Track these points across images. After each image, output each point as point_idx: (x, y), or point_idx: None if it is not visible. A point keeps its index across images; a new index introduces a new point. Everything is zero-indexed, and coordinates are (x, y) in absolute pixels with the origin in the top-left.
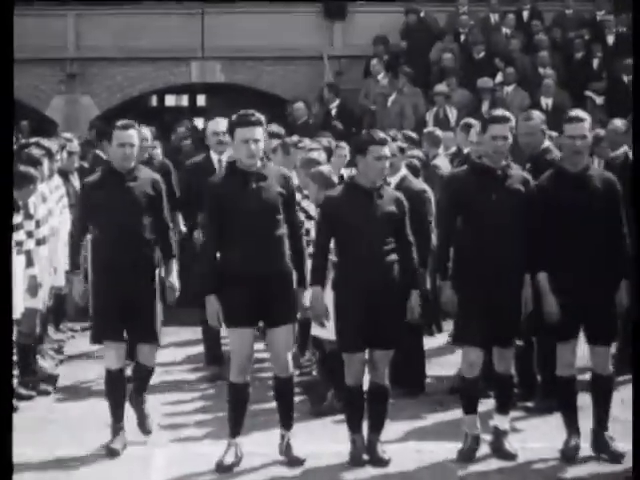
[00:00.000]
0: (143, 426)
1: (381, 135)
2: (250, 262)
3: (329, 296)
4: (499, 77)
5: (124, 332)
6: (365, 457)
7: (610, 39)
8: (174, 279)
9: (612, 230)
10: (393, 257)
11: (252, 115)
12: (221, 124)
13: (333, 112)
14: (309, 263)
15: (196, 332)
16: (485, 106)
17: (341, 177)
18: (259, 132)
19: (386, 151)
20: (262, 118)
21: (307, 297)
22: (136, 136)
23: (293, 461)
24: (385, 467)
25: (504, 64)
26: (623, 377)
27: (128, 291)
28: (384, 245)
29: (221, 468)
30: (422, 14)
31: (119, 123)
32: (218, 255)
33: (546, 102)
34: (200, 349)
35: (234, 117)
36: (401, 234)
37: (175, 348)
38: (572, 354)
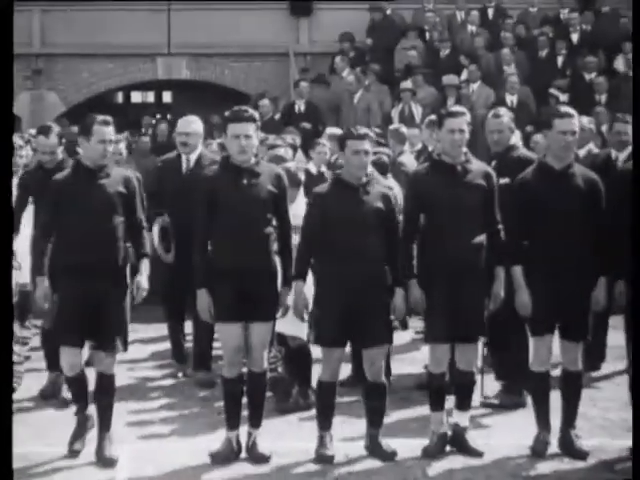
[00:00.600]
0: (101, 452)
1: (360, 130)
2: (237, 258)
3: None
4: (464, 74)
5: (83, 338)
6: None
7: (574, 37)
8: (144, 280)
9: (592, 228)
10: (379, 254)
11: (245, 111)
12: (188, 125)
13: (299, 109)
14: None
15: (160, 329)
16: (450, 103)
17: (321, 174)
18: (251, 128)
19: (365, 145)
20: (255, 114)
21: (290, 297)
22: (114, 132)
23: (258, 459)
24: (392, 460)
25: (469, 61)
26: (595, 374)
27: (94, 296)
28: (370, 241)
29: (215, 459)
30: (388, 11)
31: (99, 119)
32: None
33: (511, 99)
34: (165, 346)
35: (227, 113)
36: (388, 231)
37: (140, 345)
38: (547, 349)
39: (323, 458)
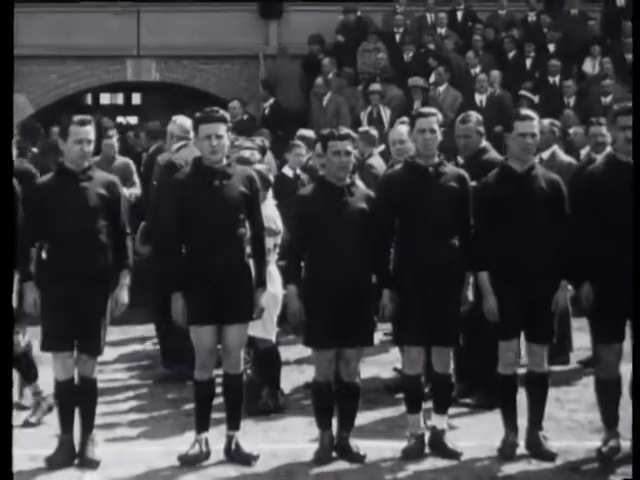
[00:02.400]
0: (85, 455)
1: (342, 131)
2: (210, 260)
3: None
4: (432, 77)
5: (73, 342)
6: (334, 454)
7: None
8: (124, 294)
9: (555, 230)
10: (364, 255)
11: (216, 112)
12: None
13: (266, 111)
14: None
15: (129, 331)
16: (417, 105)
17: (297, 176)
18: (222, 128)
19: (346, 146)
20: (226, 115)
21: (264, 298)
22: (93, 132)
23: (246, 459)
24: (361, 462)
25: (437, 63)
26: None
27: (79, 300)
28: (355, 242)
29: (184, 461)
30: (359, 13)
31: (76, 119)
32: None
33: (480, 99)
34: (134, 348)
35: (198, 114)
36: (372, 232)
37: (109, 348)
38: (513, 352)
39: (322, 459)
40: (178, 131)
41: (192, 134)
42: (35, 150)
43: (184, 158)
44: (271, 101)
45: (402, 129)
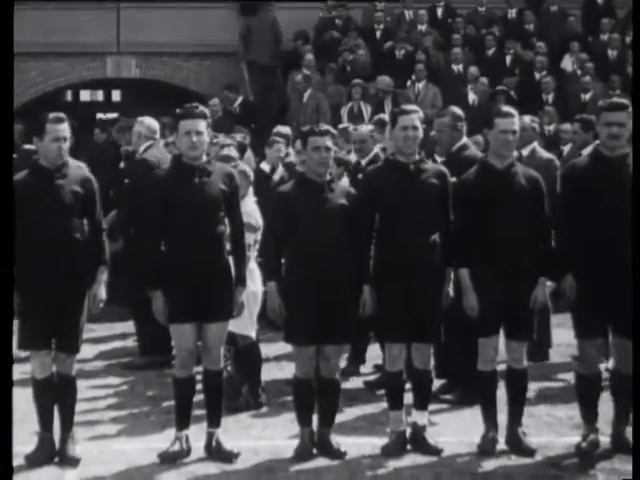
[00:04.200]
0: (65, 453)
1: (322, 127)
2: (190, 257)
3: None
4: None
5: (51, 340)
6: (314, 451)
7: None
8: (101, 290)
9: (535, 227)
10: (344, 251)
11: (195, 107)
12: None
13: (237, 110)
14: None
15: (110, 328)
16: (387, 104)
17: (273, 171)
18: (202, 125)
19: (326, 142)
20: (206, 111)
21: (244, 295)
22: (68, 130)
23: (227, 457)
24: (342, 459)
25: (416, 60)
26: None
27: (56, 298)
28: (335, 239)
29: (164, 459)
30: (340, 11)
31: (52, 116)
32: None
33: (473, 99)
34: (113, 345)
35: (178, 110)
36: (352, 228)
37: (89, 345)
38: (493, 349)
39: (303, 455)
40: (145, 131)
41: (159, 134)
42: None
43: (159, 157)
44: (240, 99)
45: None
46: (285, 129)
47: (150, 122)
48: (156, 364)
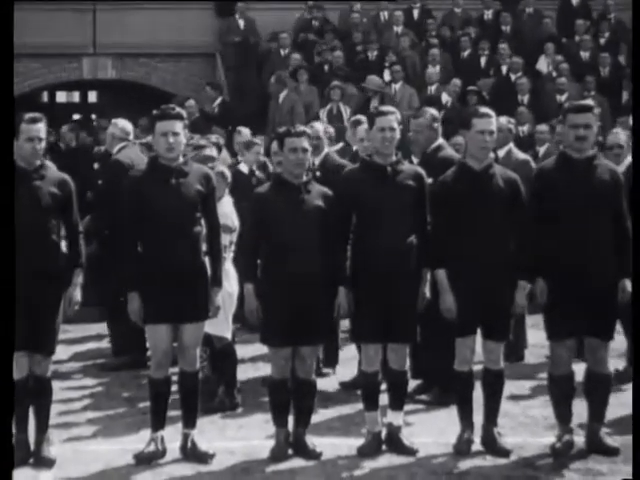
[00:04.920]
0: (40, 454)
1: (299, 128)
2: (166, 258)
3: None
4: (387, 75)
5: (27, 341)
6: (290, 452)
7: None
8: (77, 292)
9: (513, 229)
10: (321, 252)
11: (172, 109)
12: None
13: (216, 110)
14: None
15: (85, 330)
16: (374, 104)
17: (252, 172)
18: (178, 126)
19: (302, 143)
20: (182, 112)
21: (220, 296)
22: (44, 130)
23: (202, 458)
24: (317, 460)
25: (392, 61)
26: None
27: (32, 299)
28: (312, 240)
29: (140, 460)
30: (317, 12)
31: (27, 116)
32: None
33: (447, 100)
34: (89, 346)
35: (154, 112)
36: (328, 229)
37: (64, 346)
38: (469, 350)
39: (278, 456)
40: (119, 133)
41: (132, 135)
42: None
43: (132, 157)
44: (219, 100)
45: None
46: (245, 131)
47: (124, 124)
48: (130, 364)
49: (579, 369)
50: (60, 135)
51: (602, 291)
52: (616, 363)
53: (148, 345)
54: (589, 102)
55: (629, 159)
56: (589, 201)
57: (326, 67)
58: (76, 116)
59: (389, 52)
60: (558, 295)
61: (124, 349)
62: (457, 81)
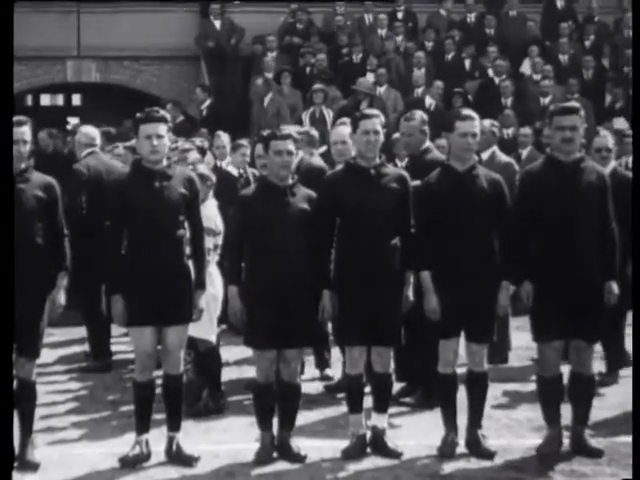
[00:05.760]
0: (24, 457)
1: (284, 130)
2: (149, 261)
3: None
4: (371, 77)
5: (12, 345)
6: (275, 455)
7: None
8: (61, 296)
9: (497, 230)
10: (305, 255)
11: (156, 112)
12: None
13: (204, 112)
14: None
15: (69, 333)
16: (364, 106)
17: (240, 175)
18: (162, 129)
19: (287, 145)
20: (166, 115)
21: (204, 299)
22: (29, 133)
23: (187, 461)
24: (302, 462)
25: (377, 64)
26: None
27: (16, 302)
28: (297, 243)
29: (125, 463)
30: (302, 14)
31: (13, 120)
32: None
33: (430, 103)
34: (73, 350)
35: (138, 114)
36: (314, 232)
37: (48, 349)
38: (453, 352)
39: (263, 459)
40: (84, 139)
41: (98, 141)
42: None
43: (91, 165)
44: (208, 102)
45: (343, 130)
46: (224, 136)
47: (88, 130)
48: (107, 367)
49: (563, 371)
50: (37, 140)
51: (588, 293)
52: (598, 366)
53: (132, 348)
54: (575, 104)
55: (614, 162)
56: (576, 203)
57: (308, 70)
58: (74, 120)
59: (373, 55)
60: (544, 297)
61: (101, 351)
62: (439, 83)
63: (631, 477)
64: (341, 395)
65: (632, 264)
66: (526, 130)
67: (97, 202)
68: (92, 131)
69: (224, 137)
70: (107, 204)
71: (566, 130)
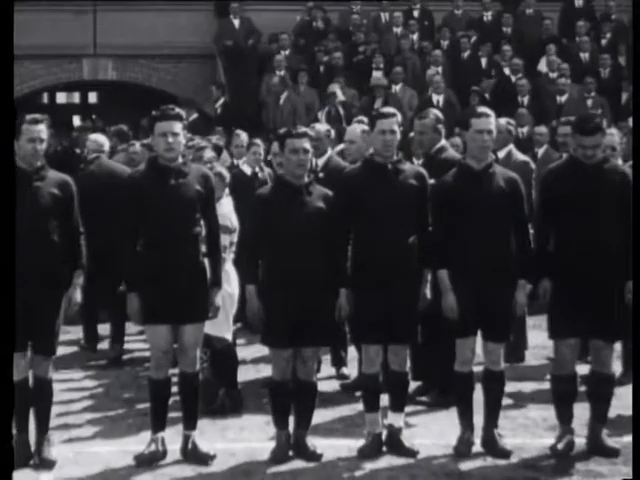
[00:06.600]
0: (41, 455)
1: (300, 129)
2: (166, 259)
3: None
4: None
5: (27, 342)
6: (290, 453)
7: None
8: (77, 294)
9: (513, 229)
10: (322, 254)
11: (171, 109)
12: None
13: (219, 110)
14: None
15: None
16: (378, 104)
17: (255, 174)
18: (177, 126)
19: (303, 143)
20: (182, 113)
21: (220, 297)
22: (46, 131)
23: (203, 459)
24: (318, 461)
25: (390, 63)
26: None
27: (33, 301)
28: (313, 241)
29: (140, 461)
30: (318, 13)
31: (28, 117)
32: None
33: (437, 99)
34: None
35: (154, 112)
36: (330, 230)
37: (64, 346)
38: (470, 350)
39: (279, 457)
40: (93, 145)
41: (106, 147)
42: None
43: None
44: (222, 100)
45: (354, 129)
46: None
47: (97, 137)
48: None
49: (582, 371)
50: None
51: (608, 292)
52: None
53: (148, 345)
54: (597, 121)
55: (620, 161)
56: (600, 204)
57: (322, 68)
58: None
59: (378, 53)
60: (563, 295)
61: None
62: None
63: (631, 477)
64: (357, 394)
65: (632, 264)
66: (541, 129)
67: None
68: (100, 138)
69: (243, 136)
70: (122, 203)
71: (588, 149)
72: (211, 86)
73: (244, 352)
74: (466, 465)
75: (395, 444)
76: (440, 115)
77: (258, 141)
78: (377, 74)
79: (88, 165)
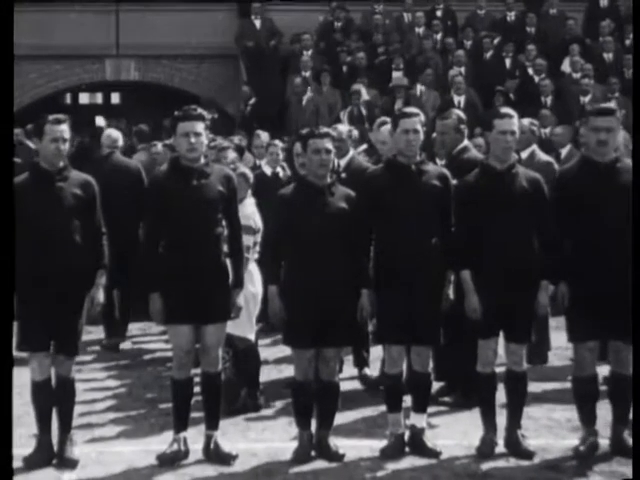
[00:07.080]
0: (63, 454)
1: (322, 129)
2: (188, 259)
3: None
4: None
5: (49, 342)
6: (313, 453)
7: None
8: (100, 294)
9: (536, 230)
10: (345, 255)
11: (194, 110)
12: None
13: (248, 109)
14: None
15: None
16: (399, 104)
17: (275, 174)
18: (200, 126)
19: (325, 144)
20: (204, 113)
21: (242, 297)
22: (68, 131)
23: (225, 459)
24: (340, 462)
25: (415, 63)
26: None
27: (55, 300)
28: (335, 242)
29: (163, 461)
30: (342, 13)
31: (51, 117)
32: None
33: (458, 100)
34: None
35: (176, 113)
36: (352, 231)
37: (87, 347)
38: (492, 351)
39: (301, 458)
40: (107, 141)
41: (120, 143)
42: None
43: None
44: (254, 100)
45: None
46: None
47: (111, 132)
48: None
49: (603, 371)
50: None
51: (625, 293)
52: None
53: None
54: (611, 105)
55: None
56: (614, 204)
57: (345, 69)
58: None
59: (397, 55)
60: (580, 298)
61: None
62: (460, 78)
63: (631, 477)
64: (380, 394)
65: (632, 264)
66: (558, 129)
67: None
68: (114, 133)
69: (264, 136)
70: (144, 202)
71: (601, 132)
72: (243, 85)
73: (267, 352)
74: (489, 466)
75: (418, 445)
76: (462, 115)
77: (276, 141)
78: (397, 74)
79: (102, 161)
